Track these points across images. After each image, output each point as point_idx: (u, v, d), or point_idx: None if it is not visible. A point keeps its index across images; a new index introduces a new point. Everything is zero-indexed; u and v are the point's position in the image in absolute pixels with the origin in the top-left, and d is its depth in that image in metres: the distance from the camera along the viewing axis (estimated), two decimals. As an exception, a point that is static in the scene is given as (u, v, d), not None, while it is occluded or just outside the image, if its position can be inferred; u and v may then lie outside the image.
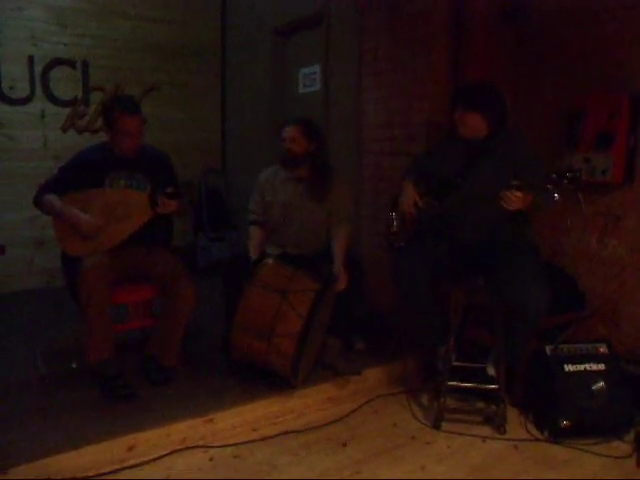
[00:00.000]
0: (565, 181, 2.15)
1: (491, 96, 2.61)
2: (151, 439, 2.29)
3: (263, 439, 2.43)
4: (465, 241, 2.64)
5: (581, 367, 2.54)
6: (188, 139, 5.11)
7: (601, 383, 2.50)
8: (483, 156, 2.60)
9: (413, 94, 3.33)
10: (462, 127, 2.63)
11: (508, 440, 2.45)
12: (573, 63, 2.91)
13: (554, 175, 2.16)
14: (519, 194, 2.25)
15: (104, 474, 2.14)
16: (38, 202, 2.68)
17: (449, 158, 2.71)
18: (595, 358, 2.57)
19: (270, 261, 2.75)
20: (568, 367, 2.54)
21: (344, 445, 2.41)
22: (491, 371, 2.61)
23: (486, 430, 2.53)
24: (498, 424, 2.52)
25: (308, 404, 2.69)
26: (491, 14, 3.20)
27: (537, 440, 2.45)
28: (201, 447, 2.35)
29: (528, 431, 2.52)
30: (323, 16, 4.03)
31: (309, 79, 4.38)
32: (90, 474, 2.12)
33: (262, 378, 2.68)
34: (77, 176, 2.69)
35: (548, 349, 2.59)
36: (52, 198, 2.63)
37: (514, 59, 3.16)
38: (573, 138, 2.84)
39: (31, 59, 4.36)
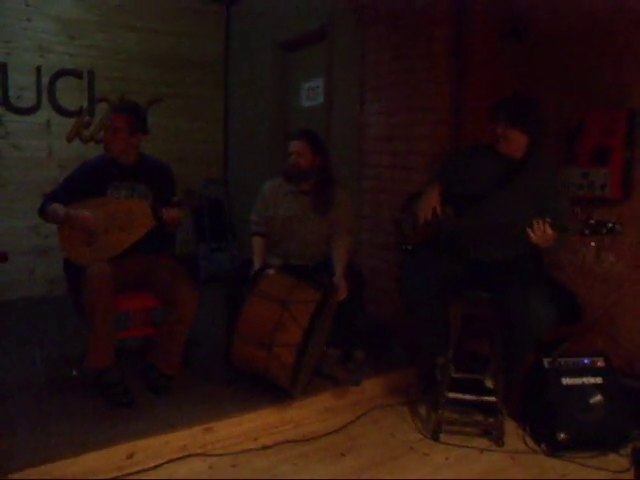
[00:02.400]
0: (604, 230, 2.15)
1: (537, 112, 2.52)
2: (151, 447, 2.30)
3: (262, 448, 2.44)
4: (479, 259, 2.63)
5: (579, 380, 2.56)
6: (191, 150, 5.16)
7: (599, 397, 2.52)
8: (514, 179, 2.54)
9: (415, 108, 3.38)
10: (504, 142, 2.53)
11: (506, 452, 2.46)
12: (573, 78, 2.94)
13: (593, 221, 2.16)
14: (550, 231, 2.25)
15: (103, 481, 2.15)
16: (43, 212, 2.71)
17: (479, 173, 2.64)
18: (593, 372, 2.59)
19: (272, 271, 2.78)
20: (566, 380, 2.56)
21: (343, 455, 2.42)
22: (489, 383, 2.61)
23: (484, 442, 2.54)
24: (496, 436, 2.53)
25: (307, 414, 2.71)
26: (492, 29, 3.24)
27: (535, 453, 2.46)
28: (200, 455, 2.36)
29: (526, 444, 2.53)
30: (326, 30, 4.09)
31: (312, 92, 4.43)
32: (89, 480, 2.13)
33: (262, 388, 2.70)
34: (81, 186, 2.73)
35: (546, 362, 2.61)
36: (56, 206, 2.66)
37: (515, 74, 3.19)
38: (572, 153, 2.87)
39: (38, 69, 4.42)
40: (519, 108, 2.51)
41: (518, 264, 2.55)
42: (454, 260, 2.65)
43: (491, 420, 2.59)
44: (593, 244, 2.16)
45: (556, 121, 2.99)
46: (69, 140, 4.60)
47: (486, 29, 3.26)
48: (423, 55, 3.31)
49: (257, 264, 2.95)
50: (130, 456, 2.26)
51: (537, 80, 3.09)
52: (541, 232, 2.27)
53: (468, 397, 2.63)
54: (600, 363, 2.62)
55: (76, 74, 4.59)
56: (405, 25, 3.41)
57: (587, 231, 2.17)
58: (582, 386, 2.55)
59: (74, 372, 2.86)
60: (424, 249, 2.74)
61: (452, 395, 2.61)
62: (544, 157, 2.65)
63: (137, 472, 2.22)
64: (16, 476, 2.02)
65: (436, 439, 2.55)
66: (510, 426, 2.64)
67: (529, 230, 2.28)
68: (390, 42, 3.52)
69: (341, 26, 3.97)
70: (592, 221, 2.16)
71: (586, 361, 2.63)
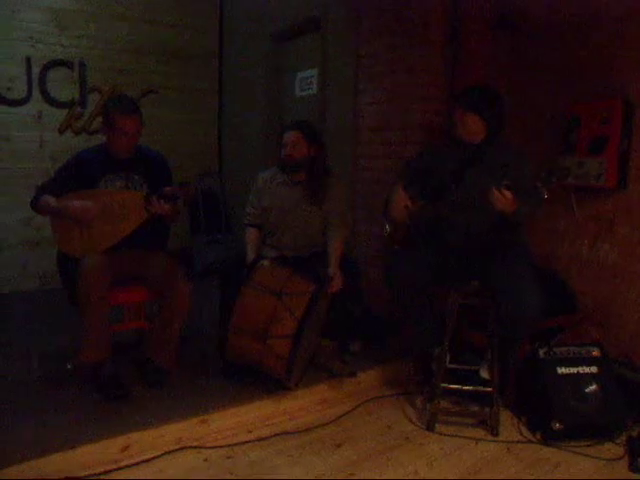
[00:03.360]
0: (554, 179, 2.17)
1: (493, 100, 2.63)
2: (145, 439, 2.30)
3: (257, 440, 2.43)
4: (458, 245, 2.65)
5: (574, 370, 2.56)
6: (185, 141, 5.12)
7: (594, 386, 2.52)
8: (477, 161, 2.62)
9: (409, 98, 3.36)
10: (461, 127, 2.64)
11: (501, 442, 2.47)
12: (568, 69, 2.93)
13: (543, 173, 2.18)
14: (508, 194, 2.27)
15: (98, 474, 2.14)
16: (35, 204, 2.67)
17: (443, 161, 2.72)
18: (588, 361, 2.59)
19: (266, 263, 2.76)
20: (561, 370, 2.56)
21: (338, 446, 2.42)
22: (485, 374, 2.62)
23: (479, 432, 2.55)
24: (491, 426, 2.54)
25: (303, 406, 2.70)
26: (486, 20, 3.23)
27: (530, 442, 2.46)
28: (195, 448, 2.35)
29: (521, 433, 2.53)
30: (320, 20, 4.06)
31: (306, 83, 4.40)
32: (84, 474, 2.12)
33: (257, 379, 2.69)
34: (74, 177, 2.69)
35: (541, 352, 2.62)
36: (47, 198, 2.63)
37: (509, 64, 3.19)
38: (568, 143, 2.87)
39: (28, 60, 4.36)
40: (475, 94, 2.64)
41: (504, 252, 2.56)
42: (434, 249, 2.68)
43: (486, 410, 2.59)
44: (545, 195, 2.16)
45: (552, 113, 2.98)
46: (61, 132, 4.55)
47: (481, 20, 3.25)
48: (418, 45, 3.29)
49: (251, 256, 2.94)
50: (125, 449, 2.25)
51: (532, 71, 3.08)
52: (498, 196, 2.28)
53: (464, 387, 2.63)
54: (595, 352, 2.62)
55: (67, 65, 4.54)
56: (399, 15, 3.38)
57: (539, 184, 2.18)
58: (577, 375, 2.55)
59: (68, 366, 2.84)
60: (407, 244, 2.77)
61: (447, 386, 2.61)
62: (507, 141, 2.72)
63: (132, 465, 2.21)
64: (11, 470, 2.01)
65: (431, 430, 2.55)
66: (505, 416, 2.64)
67: (489, 199, 2.31)
68: (384, 32, 3.50)
69: (335, 16, 3.94)
70: (542, 173, 2.18)
71: (581, 350, 2.63)
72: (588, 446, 2.41)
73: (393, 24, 3.43)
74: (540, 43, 3.05)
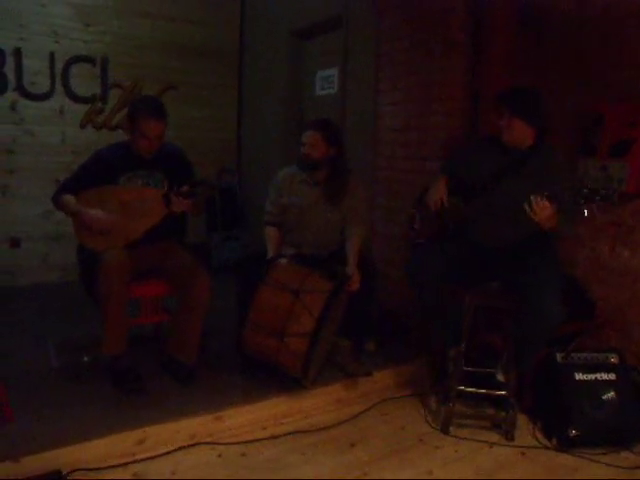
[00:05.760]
0: (598, 198, 2.09)
1: (540, 104, 2.53)
2: (161, 434, 2.32)
3: (272, 438, 2.44)
4: (486, 247, 2.62)
5: (592, 376, 2.54)
6: (204, 138, 5.14)
7: (611, 393, 2.49)
8: (519, 167, 2.53)
9: (430, 98, 3.34)
10: (507, 133, 2.55)
11: (516, 447, 2.45)
12: (592, 68, 2.88)
13: (586, 190, 2.11)
14: (547, 204, 2.20)
15: (113, 467, 2.16)
16: (56, 202, 2.71)
17: (484, 162, 2.65)
18: (606, 367, 2.56)
19: (284, 261, 2.77)
20: (579, 375, 2.54)
21: (352, 446, 2.42)
22: (500, 377, 2.60)
23: (494, 436, 2.53)
24: (506, 430, 2.52)
25: (317, 404, 2.71)
26: (510, 18, 3.19)
27: (545, 448, 2.44)
28: (210, 444, 2.37)
29: (536, 439, 2.51)
30: (341, 19, 4.05)
31: (326, 81, 4.40)
32: (99, 466, 2.14)
33: (273, 377, 2.70)
34: (95, 175, 2.71)
35: (559, 356, 2.59)
36: (68, 199, 2.65)
37: (532, 64, 3.14)
38: (589, 145, 2.82)
39: (52, 55, 4.41)
40: (521, 98, 2.54)
41: (531, 256, 2.52)
42: (462, 248, 2.64)
43: (502, 414, 2.58)
44: (586, 212, 2.10)
45: (572, 113, 2.94)
46: (82, 127, 4.60)
47: (504, 18, 3.21)
48: (439, 44, 3.26)
49: (270, 253, 2.94)
50: (140, 442, 2.27)
51: (554, 71, 3.04)
52: (539, 207, 2.21)
53: (479, 390, 2.61)
54: (614, 359, 2.59)
55: (90, 60, 4.58)
56: (421, 13, 3.36)
57: (582, 200, 2.11)
58: (595, 382, 2.52)
59: (85, 358, 2.88)
60: (432, 240, 2.75)
61: (463, 388, 2.59)
62: (553, 148, 2.61)
63: (147, 459, 2.23)
64: (27, 460, 2.03)
65: (446, 432, 2.54)
66: (521, 420, 2.62)
67: (527, 207, 2.23)
68: (406, 31, 3.48)
69: (356, 14, 3.93)
70: (586, 190, 2.11)
71: (599, 357, 2.60)
72: (604, 454, 2.38)
73: (414, 23, 3.41)
74: (565, 41, 2.99)
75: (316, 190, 3.01)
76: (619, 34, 2.77)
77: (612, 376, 2.54)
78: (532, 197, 2.22)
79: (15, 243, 4.45)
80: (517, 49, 3.19)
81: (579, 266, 2.99)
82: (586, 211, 2.12)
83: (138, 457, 2.23)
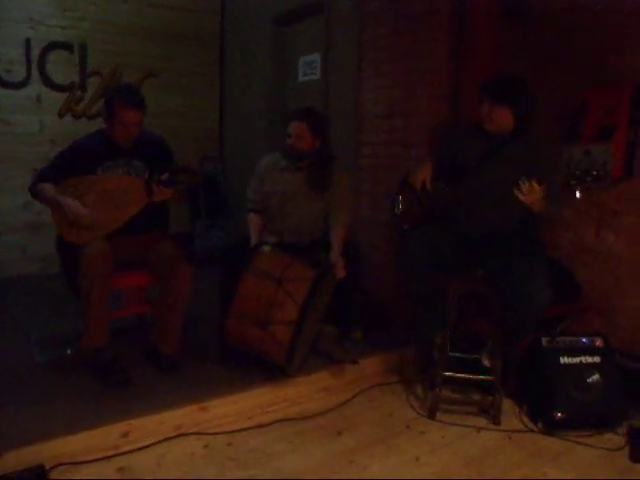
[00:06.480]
0: (589, 179, 2.10)
1: (522, 91, 2.52)
2: (145, 426, 2.29)
3: (258, 427, 2.42)
4: (472, 233, 2.62)
5: (577, 359, 2.55)
6: (186, 126, 5.07)
7: (596, 376, 2.51)
8: (502, 151, 2.54)
9: (414, 83, 3.31)
10: (489, 122, 2.56)
11: (502, 431, 2.45)
12: (577, 56, 2.88)
13: (578, 172, 2.11)
14: (537, 187, 2.20)
15: (97, 460, 2.13)
16: (33, 191, 2.65)
17: (469, 148, 2.66)
18: (591, 351, 2.58)
19: (267, 248, 2.74)
20: (564, 359, 2.55)
21: (339, 434, 2.41)
22: (486, 362, 2.61)
23: (481, 421, 2.54)
24: (493, 415, 2.53)
25: (303, 392, 2.69)
26: (494, 6, 3.17)
27: (531, 431, 2.45)
28: (195, 434, 2.34)
29: (523, 422, 2.52)
30: (324, 4, 3.99)
31: (309, 67, 4.34)
32: (83, 460, 2.11)
33: (257, 366, 2.68)
34: (73, 164, 2.66)
35: (544, 340, 2.60)
36: (46, 187, 2.60)
37: (517, 51, 3.13)
38: (575, 132, 2.82)
39: (28, 42, 4.30)
40: (501, 86, 2.54)
41: (517, 241, 2.52)
42: (449, 234, 2.64)
43: (488, 399, 2.58)
44: (578, 194, 2.11)
45: (558, 100, 2.93)
46: (61, 115, 4.51)
47: (488, 5, 3.19)
48: (423, 29, 3.23)
49: (253, 241, 2.91)
50: (125, 435, 2.24)
51: (539, 58, 3.03)
52: (529, 190, 2.22)
53: (465, 376, 2.61)
54: (598, 342, 2.61)
55: (68, 47, 4.48)
56: (404, -1, 3.33)
57: (574, 182, 2.13)
58: (580, 365, 2.54)
59: (68, 351, 2.84)
60: (418, 226, 2.74)
61: (449, 374, 2.59)
62: (536, 132, 2.62)
63: (132, 451, 2.20)
64: (9, 456, 2.00)
65: (433, 418, 2.54)
66: (507, 405, 2.63)
67: (516, 191, 2.24)
68: (389, 16, 3.44)
69: (339, -1, 3.88)
70: (578, 172, 2.12)
71: (584, 340, 2.61)
72: (589, 436, 2.40)
73: (397, 8, 3.37)
74: (549, 29, 2.99)
75: (299, 177, 2.98)
76: (603, 20, 2.76)
77: (597, 359, 2.55)
78: (522, 180, 2.22)
79: (-5, 235, 4.37)
80: (501, 36, 3.18)
81: (563, 249, 3.00)
82: (578, 192, 2.12)
83: (123, 450, 2.20)
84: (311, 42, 4.29)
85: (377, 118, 3.59)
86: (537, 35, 3.05)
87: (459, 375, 2.61)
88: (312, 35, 4.27)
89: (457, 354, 2.66)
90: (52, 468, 2.04)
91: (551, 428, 2.44)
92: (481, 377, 2.59)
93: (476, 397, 2.70)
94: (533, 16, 3.05)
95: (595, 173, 2.10)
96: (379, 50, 3.53)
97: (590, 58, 2.82)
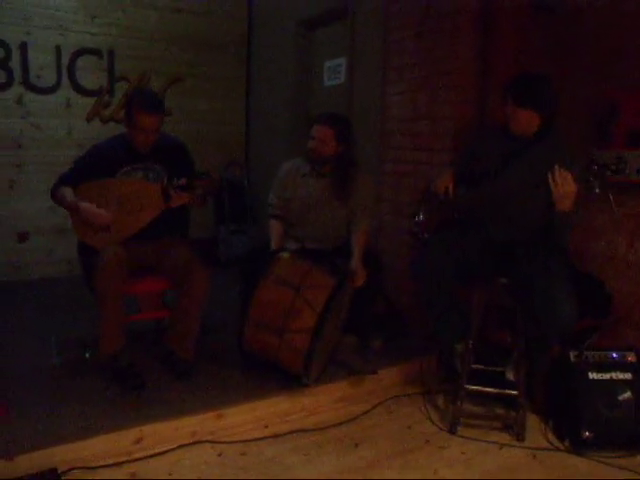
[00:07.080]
0: (609, 173, 2.04)
1: (546, 91, 2.46)
2: (160, 432, 2.27)
3: (273, 437, 2.38)
4: (495, 238, 2.55)
5: (607, 375, 2.44)
6: (211, 131, 5.09)
7: (628, 393, 2.39)
8: (526, 153, 2.48)
9: (439, 87, 3.24)
10: (513, 123, 2.50)
11: (526, 448, 2.36)
12: (608, 55, 2.77)
13: (596, 167, 2.05)
14: (570, 177, 2.14)
15: (110, 466, 2.11)
16: (54, 194, 2.68)
17: (492, 151, 2.60)
18: (622, 366, 2.46)
19: (286, 255, 2.70)
20: (593, 375, 2.44)
21: (356, 446, 2.35)
22: (510, 375, 2.52)
23: (504, 437, 2.45)
24: (517, 431, 2.43)
25: (321, 402, 2.64)
26: (522, 4, 3.08)
27: (557, 450, 2.35)
28: (210, 442, 2.31)
29: (548, 440, 2.42)
30: (349, 8, 3.96)
31: (334, 72, 4.31)
32: (96, 465, 2.10)
33: (275, 374, 2.64)
34: (93, 167, 2.67)
35: (572, 355, 2.49)
36: (65, 191, 2.62)
37: (545, 51, 3.03)
38: (604, 134, 2.71)
39: (58, 49, 4.38)
40: (525, 87, 2.47)
41: (540, 250, 2.43)
42: (470, 240, 2.56)
43: (512, 414, 2.49)
44: (598, 190, 2.04)
45: (588, 101, 2.82)
46: (88, 120, 4.57)
47: (516, 3, 3.10)
48: (448, 32, 3.15)
49: (273, 247, 2.88)
50: (138, 441, 2.22)
51: (570, 57, 2.92)
52: (562, 178, 2.15)
53: (488, 389, 2.52)
54: (631, 358, 2.48)
55: (96, 53, 4.55)
56: (429, 1, 3.26)
57: (591, 178, 2.07)
58: (610, 381, 2.42)
59: (87, 354, 2.85)
60: (438, 234, 2.67)
61: (471, 387, 2.51)
62: (560, 134, 2.54)
63: (145, 457, 2.18)
64: (22, 459, 2.00)
65: (453, 432, 2.46)
66: (533, 421, 2.53)
67: (550, 180, 2.18)
68: (413, 19, 3.38)
69: (363, 3, 3.84)
70: (595, 166, 2.06)
71: (615, 355, 2.49)
72: (619, 457, 2.28)
73: (422, 10, 3.31)
74: (579, 27, 2.87)
75: (322, 183, 2.94)
76: (635, 18, 2.65)
77: (628, 376, 2.43)
78: (556, 167, 2.16)
79: (23, 237, 4.45)
80: (529, 36, 3.08)
81: (595, 260, 2.88)
82: (598, 189, 2.05)
83: (136, 456, 2.18)
84: (336, 47, 4.25)
85: (401, 122, 3.52)
86: (567, 32, 2.94)
87: (482, 388, 2.52)
88: (337, 40, 4.24)
89: (480, 366, 2.57)
90: (65, 472, 2.04)
91: (578, 447, 2.34)
92: (505, 391, 2.49)
93: (499, 412, 2.61)
94: (564, 12, 2.94)
95: (614, 167, 2.04)
96: (403, 54, 3.47)
97: (622, 58, 2.71)
